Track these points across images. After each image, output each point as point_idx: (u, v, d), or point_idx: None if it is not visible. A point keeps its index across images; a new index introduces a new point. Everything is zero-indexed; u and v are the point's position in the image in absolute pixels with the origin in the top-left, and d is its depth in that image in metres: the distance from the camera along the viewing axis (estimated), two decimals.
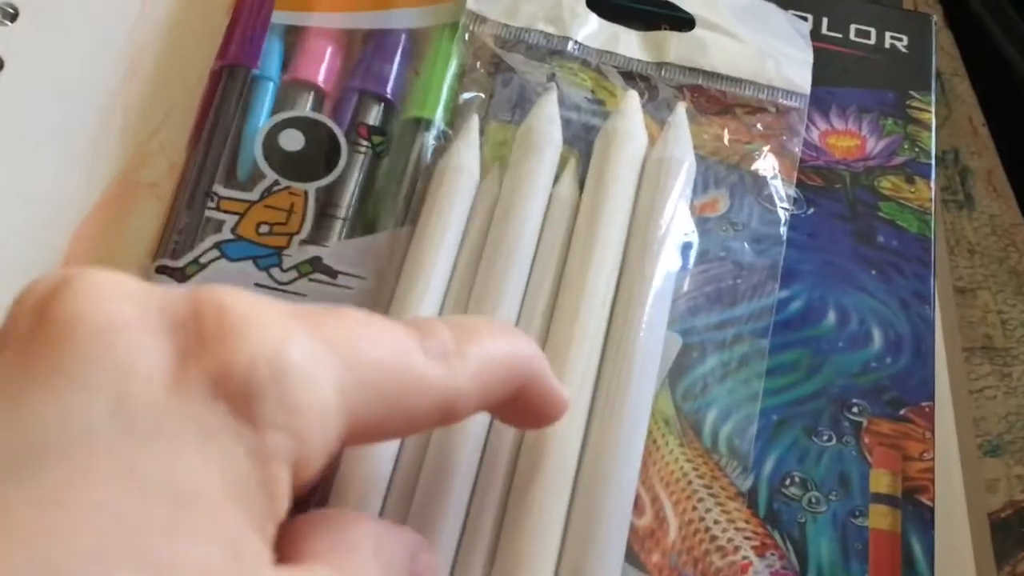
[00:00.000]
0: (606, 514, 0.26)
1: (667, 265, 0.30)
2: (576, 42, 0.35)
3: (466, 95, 0.34)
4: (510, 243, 0.29)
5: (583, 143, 0.33)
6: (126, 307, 0.16)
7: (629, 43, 0.35)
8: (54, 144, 0.33)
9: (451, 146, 0.32)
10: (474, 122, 0.33)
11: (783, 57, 0.36)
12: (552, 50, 0.35)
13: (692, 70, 0.35)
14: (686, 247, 0.32)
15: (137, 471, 0.15)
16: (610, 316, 0.29)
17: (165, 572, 0.14)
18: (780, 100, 0.35)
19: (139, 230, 0.31)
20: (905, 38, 0.38)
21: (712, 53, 0.35)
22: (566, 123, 0.33)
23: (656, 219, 0.30)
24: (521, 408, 0.23)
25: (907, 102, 0.37)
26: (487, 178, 0.31)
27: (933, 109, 0.36)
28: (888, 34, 0.38)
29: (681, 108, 0.34)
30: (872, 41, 0.38)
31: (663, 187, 0.31)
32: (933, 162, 0.35)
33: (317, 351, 0.17)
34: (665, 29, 0.36)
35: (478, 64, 0.35)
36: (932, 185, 0.35)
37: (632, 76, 0.35)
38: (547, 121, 0.32)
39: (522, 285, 0.29)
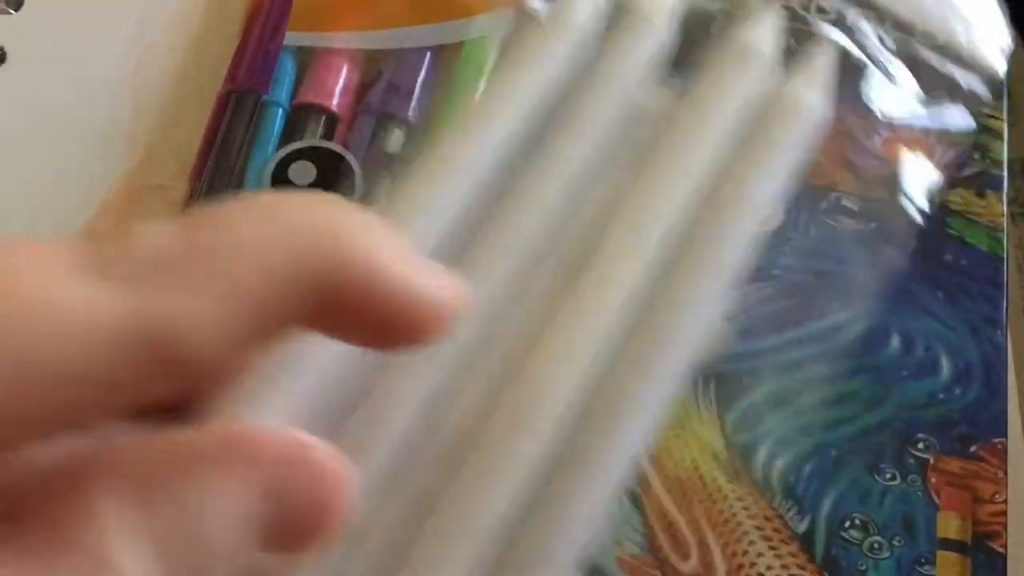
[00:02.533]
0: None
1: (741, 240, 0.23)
2: None
3: None
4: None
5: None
6: None
7: None
8: (57, 141, 0.31)
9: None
10: None
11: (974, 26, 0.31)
12: None
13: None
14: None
15: None
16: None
17: None
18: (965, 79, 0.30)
19: None
20: None
21: None
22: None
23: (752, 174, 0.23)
24: (350, 322, 0.14)
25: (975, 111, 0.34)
26: None
27: (1005, 116, 0.34)
28: None
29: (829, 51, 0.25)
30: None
31: (775, 136, 0.23)
32: (1005, 174, 0.33)
33: None
34: None
35: None
36: (1004, 199, 0.32)
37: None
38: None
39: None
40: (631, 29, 0.22)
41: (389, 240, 0.13)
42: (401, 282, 0.13)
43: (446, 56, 0.33)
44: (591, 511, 0.18)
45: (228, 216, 0.13)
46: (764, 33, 0.24)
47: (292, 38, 0.32)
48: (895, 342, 0.29)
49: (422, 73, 0.32)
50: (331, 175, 0.30)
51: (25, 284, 0.11)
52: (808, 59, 0.24)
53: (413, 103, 0.31)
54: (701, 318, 0.21)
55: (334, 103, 0.31)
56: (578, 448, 0.18)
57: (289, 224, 0.13)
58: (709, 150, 0.22)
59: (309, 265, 0.13)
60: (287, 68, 0.32)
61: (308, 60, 0.32)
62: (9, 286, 0.11)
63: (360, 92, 0.32)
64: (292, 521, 0.13)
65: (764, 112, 0.23)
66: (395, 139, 0.31)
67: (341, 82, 0.32)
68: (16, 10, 0.32)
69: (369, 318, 0.13)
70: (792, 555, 0.26)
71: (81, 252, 0.12)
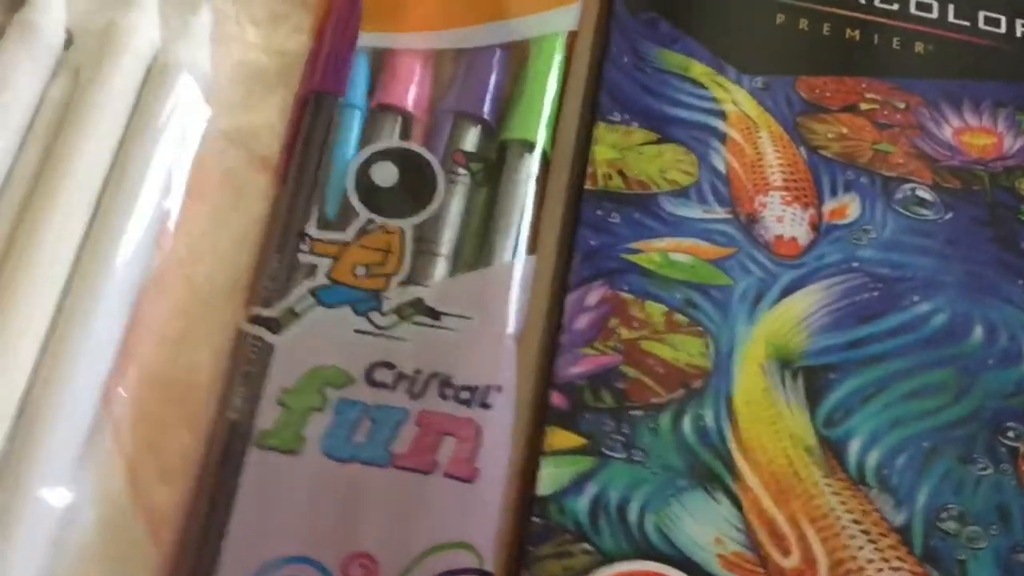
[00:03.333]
0: None
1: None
2: None
3: None
4: None
5: None
6: None
7: None
8: None
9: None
10: None
11: None
12: None
13: None
14: None
15: None
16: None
17: None
18: None
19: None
20: None
21: None
22: None
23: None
24: None
25: None
26: None
27: None
28: (1019, 21, 0.35)
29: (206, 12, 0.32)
30: (1003, 29, 0.35)
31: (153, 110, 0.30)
32: None
33: None
34: None
35: None
36: None
37: None
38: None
39: None
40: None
41: None
42: None
43: (517, 53, 0.33)
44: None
45: None
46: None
47: (364, 39, 0.32)
48: (978, 332, 0.29)
49: (494, 70, 0.32)
50: (413, 175, 0.30)
51: None
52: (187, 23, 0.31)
53: (488, 101, 0.31)
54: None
55: (410, 103, 0.31)
56: None
57: None
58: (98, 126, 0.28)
59: None
60: (361, 70, 0.32)
61: (380, 61, 0.32)
62: None
63: (434, 92, 0.32)
64: None
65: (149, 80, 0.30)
66: (471, 137, 0.31)
67: (415, 82, 0.32)
68: None
69: None
70: (892, 548, 0.26)
71: None
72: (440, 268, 0.29)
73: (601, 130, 0.31)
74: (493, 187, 0.30)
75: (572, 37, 0.33)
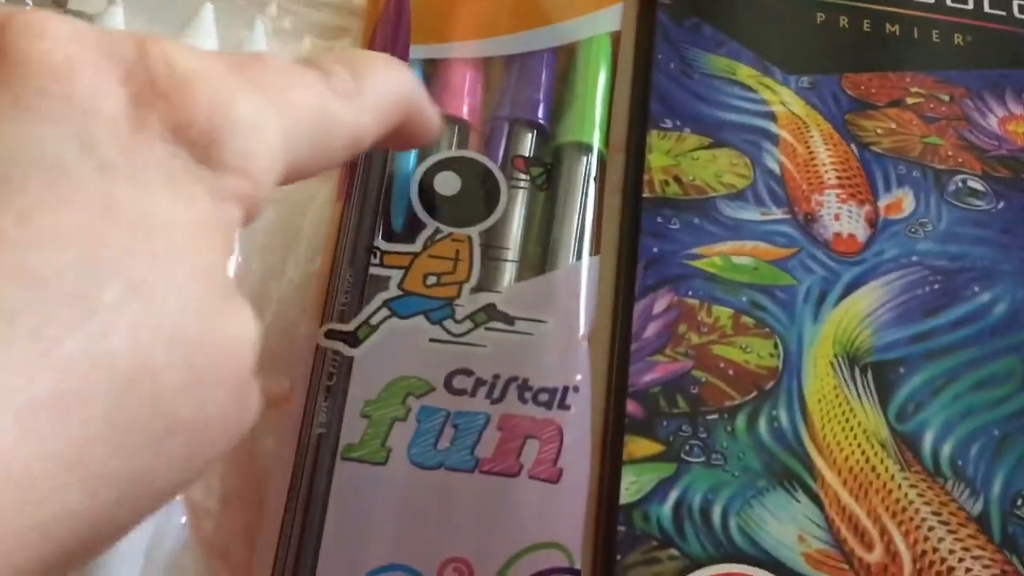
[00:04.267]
0: None
1: None
2: None
3: None
4: None
5: None
6: (80, 47, 0.16)
7: None
8: None
9: None
10: None
11: None
12: None
13: None
14: None
15: (113, 202, 0.15)
16: None
17: (149, 294, 0.15)
18: None
19: None
20: None
21: None
22: None
23: None
24: (404, 132, 0.25)
25: None
26: None
27: None
28: None
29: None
30: None
31: None
32: None
33: (261, 102, 0.18)
34: None
35: None
36: None
37: None
38: None
39: None
40: None
41: (424, 88, 0.25)
42: (432, 111, 0.25)
43: (563, 55, 0.33)
44: None
45: (368, 63, 0.22)
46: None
47: (414, 51, 0.32)
48: None
49: (544, 75, 0.32)
50: (475, 183, 0.30)
51: (331, 109, 0.20)
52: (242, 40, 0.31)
53: (541, 105, 0.32)
54: None
55: (464, 111, 0.32)
56: None
57: (404, 77, 0.24)
58: None
59: (410, 102, 0.24)
60: None
61: (432, 72, 0.33)
62: (324, 102, 0.20)
63: (487, 99, 0.33)
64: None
65: None
66: (528, 142, 0.32)
67: (468, 91, 0.32)
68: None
69: (414, 131, 0.25)
70: (972, 537, 0.27)
71: (321, 78, 0.21)
72: (508, 273, 0.29)
73: (654, 137, 0.32)
74: (553, 190, 0.31)
75: (616, 37, 0.33)
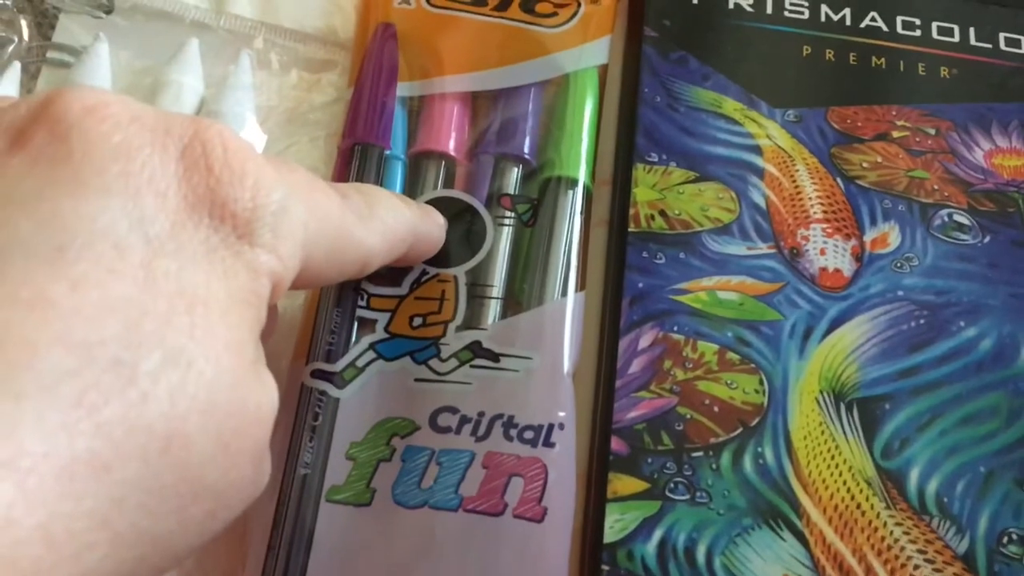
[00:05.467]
0: None
1: None
2: None
3: None
4: None
5: None
6: (138, 128, 0.18)
7: None
8: None
9: None
10: None
11: None
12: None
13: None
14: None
15: (157, 275, 0.17)
16: None
17: (187, 364, 0.16)
18: None
19: None
20: None
21: None
22: None
23: None
24: (408, 258, 0.28)
25: None
26: None
27: None
28: None
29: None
30: (1023, 50, 0.35)
31: None
32: None
33: (292, 193, 0.20)
34: None
35: None
36: None
37: None
38: None
39: None
40: None
41: (429, 219, 0.28)
42: (435, 240, 0.28)
43: (551, 87, 0.33)
44: None
45: (380, 196, 0.25)
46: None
47: (399, 88, 0.32)
48: None
49: (531, 109, 0.32)
50: (460, 222, 0.30)
51: (347, 222, 0.22)
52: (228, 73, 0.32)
53: (527, 140, 0.32)
54: None
55: (451, 148, 0.32)
56: None
57: (409, 213, 0.26)
58: None
59: (414, 234, 0.26)
60: (399, 117, 0.32)
61: (418, 107, 0.33)
62: (343, 216, 0.22)
63: (473, 135, 0.33)
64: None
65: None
66: (513, 177, 0.32)
67: (454, 126, 0.32)
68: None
69: (416, 255, 0.28)
70: (957, 575, 0.27)
71: (338, 197, 0.22)
72: (494, 310, 0.29)
73: (640, 171, 0.32)
74: (539, 226, 0.31)
75: (603, 70, 0.33)
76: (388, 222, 0.24)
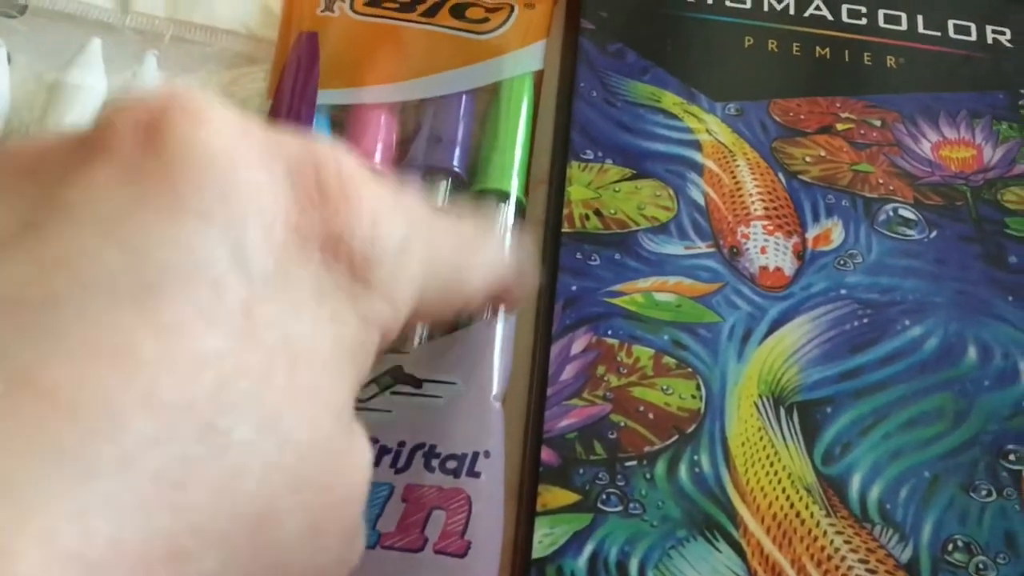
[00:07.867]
0: None
1: None
2: None
3: None
4: None
5: None
6: (246, 144, 0.15)
7: None
8: None
9: None
10: None
11: None
12: None
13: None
14: None
15: (257, 324, 0.14)
16: None
17: (283, 432, 0.14)
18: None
19: None
20: (1008, 31, 0.35)
21: None
22: None
23: None
24: (497, 300, 0.25)
25: (1020, 102, 0.33)
26: None
27: None
28: (989, 28, 0.35)
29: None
30: (973, 37, 0.34)
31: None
32: None
33: (414, 228, 0.18)
34: None
35: None
36: None
37: None
38: None
39: None
40: None
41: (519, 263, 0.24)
42: (525, 283, 0.25)
43: (483, 95, 0.32)
44: None
45: (479, 243, 0.22)
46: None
47: (323, 96, 0.31)
48: (972, 352, 0.29)
49: (461, 119, 0.31)
50: None
51: (460, 263, 0.20)
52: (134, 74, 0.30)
53: (457, 151, 0.31)
54: None
55: (376, 160, 0.30)
56: None
57: (502, 260, 0.23)
58: None
59: (507, 279, 0.23)
60: (322, 128, 0.31)
61: (343, 117, 0.31)
62: (459, 258, 0.20)
63: (401, 146, 0.31)
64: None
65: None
66: (442, 191, 0.30)
67: (380, 138, 0.31)
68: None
69: (507, 300, 0.25)
70: None
71: (461, 245, 0.21)
72: (419, 331, 0.28)
73: (574, 169, 0.31)
74: None
75: (539, 76, 0.32)
76: (487, 270, 0.22)
